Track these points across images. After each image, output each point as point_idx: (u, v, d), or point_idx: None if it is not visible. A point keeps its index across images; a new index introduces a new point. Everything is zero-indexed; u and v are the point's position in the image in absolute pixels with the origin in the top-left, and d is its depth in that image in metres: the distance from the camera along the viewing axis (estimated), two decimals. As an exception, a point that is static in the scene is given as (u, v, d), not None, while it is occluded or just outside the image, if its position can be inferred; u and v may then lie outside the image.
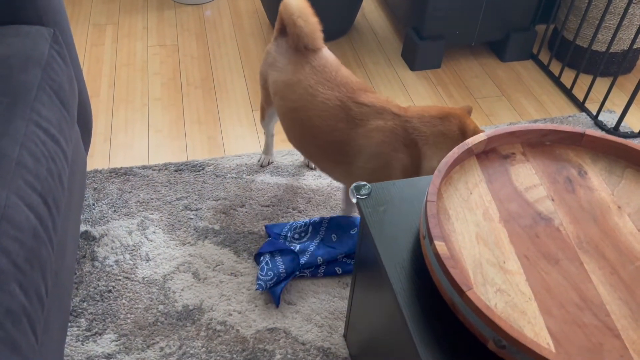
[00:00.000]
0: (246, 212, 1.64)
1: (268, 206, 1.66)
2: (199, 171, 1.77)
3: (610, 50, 2.15)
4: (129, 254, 1.51)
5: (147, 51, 2.31)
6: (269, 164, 1.77)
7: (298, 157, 1.83)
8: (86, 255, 1.50)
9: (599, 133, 1.00)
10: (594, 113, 2.06)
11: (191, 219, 1.62)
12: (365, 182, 1.01)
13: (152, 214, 1.62)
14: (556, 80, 2.22)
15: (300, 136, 1.35)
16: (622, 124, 2.01)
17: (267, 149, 1.76)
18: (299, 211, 1.65)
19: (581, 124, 2.03)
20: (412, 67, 2.26)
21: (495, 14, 2.19)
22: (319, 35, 1.35)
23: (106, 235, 1.55)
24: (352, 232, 1.52)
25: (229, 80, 2.18)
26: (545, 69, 2.29)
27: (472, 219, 0.88)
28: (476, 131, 1.19)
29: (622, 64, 1.95)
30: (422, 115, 1.21)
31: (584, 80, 2.21)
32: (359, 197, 1.00)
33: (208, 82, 2.16)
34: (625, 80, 2.26)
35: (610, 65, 2.20)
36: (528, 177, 0.96)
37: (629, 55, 2.20)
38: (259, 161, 1.77)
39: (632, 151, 0.98)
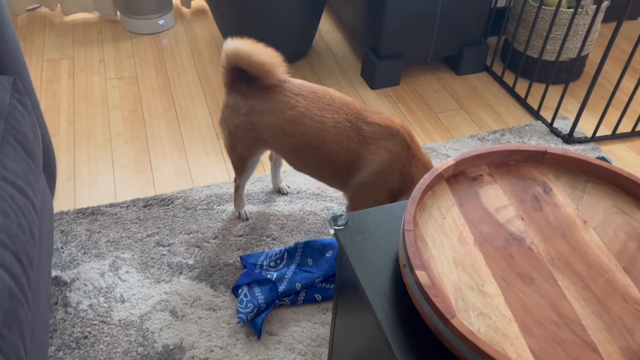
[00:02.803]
0: (220, 243, 1.64)
1: (241, 236, 1.66)
2: (168, 205, 1.75)
3: (560, 59, 2.25)
4: (103, 296, 1.48)
5: (105, 84, 2.28)
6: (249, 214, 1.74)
7: (268, 183, 1.83)
8: (58, 301, 1.46)
9: (560, 150, 1.05)
10: (549, 121, 2.14)
11: (164, 255, 1.60)
12: (342, 213, 1.03)
13: (123, 253, 1.59)
14: (511, 91, 2.31)
15: (314, 162, 1.37)
16: (576, 129, 2.10)
17: (242, 201, 1.71)
18: (273, 238, 1.66)
19: (538, 132, 2.11)
20: (372, 86, 2.31)
21: (448, 30, 2.26)
22: (283, 64, 1.37)
23: (78, 279, 1.52)
24: (327, 255, 1.54)
25: (191, 110, 2.17)
26: (499, 80, 2.37)
27: (449, 244, 0.91)
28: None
29: (571, 72, 2.04)
30: (429, 166, 1.30)
31: (537, 89, 2.30)
32: (337, 227, 1.02)
33: (170, 113, 2.15)
34: (576, 87, 2.36)
35: (561, 74, 2.29)
36: (497, 197, 1.00)
37: (577, 63, 2.31)
38: (239, 217, 1.71)
39: (591, 166, 1.03)
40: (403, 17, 2.15)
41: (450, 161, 1.01)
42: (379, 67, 2.25)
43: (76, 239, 1.62)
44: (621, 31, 2.76)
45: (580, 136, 2.07)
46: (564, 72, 2.30)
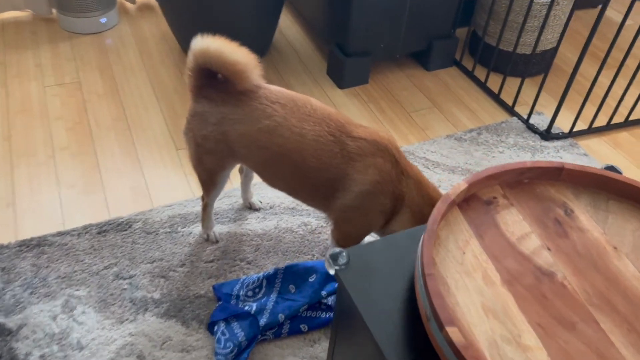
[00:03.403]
0: (188, 272, 1.46)
1: (212, 261, 1.49)
2: (125, 230, 1.56)
3: (535, 52, 2.18)
4: (57, 344, 1.28)
5: (44, 92, 2.03)
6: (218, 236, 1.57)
7: (237, 199, 1.67)
8: (3, 355, 1.25)
9: (577, 165, 0.94)
10: (525, 117, 2.07)
11: (125, 289, 1.41)
12: (341, 249, 0.89)
13: (78, 290, 1.40)
14: (483, 86, 2.22)
15: (291, 178, 1.24)
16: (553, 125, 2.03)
17: (210, 221, 1.54)
18: (247, 262, 1.50)
19: (514, 129, 2.04)
20: (340, 85, 2.16)
21: (417, 24, 2.14)
22: (258, 66, 1.22)
23: (25, 325, 1.31)
24: (310, 280, 1.40)
25: (144, 118, 1.96)
26: (470, 74, 2.28)
27: (474, 286, 0.78)
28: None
29: (542, 65, 1.97)
30: (421, 182, 1.20)
31: (510, 84, 2.22)
32: (337, 267, 0.88)
33: (121, 122, 1.93)
34: (547, 81, 2.29)
35: (532, 67, 2.22)
36: (517, 224, 0.89)
37: (549, 55, 2.25)
38: (207, 239, 1.54)
39: (611, 182, 0.93)
40: (371, 11, 2.01)
41: (462, 185, 0.89)
42: (348, 65, 2.11)
43: (20, 277, 1.41)
44: (584, 19, 2.72)
45: (557, 132, 2.01)
46: (535, 65, 2.23)
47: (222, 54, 1.16)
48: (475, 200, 0.92)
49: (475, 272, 0.80)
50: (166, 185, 1.71)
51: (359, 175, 1.17)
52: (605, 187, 0.94)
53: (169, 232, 1.56)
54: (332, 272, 0.88)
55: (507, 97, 2.17)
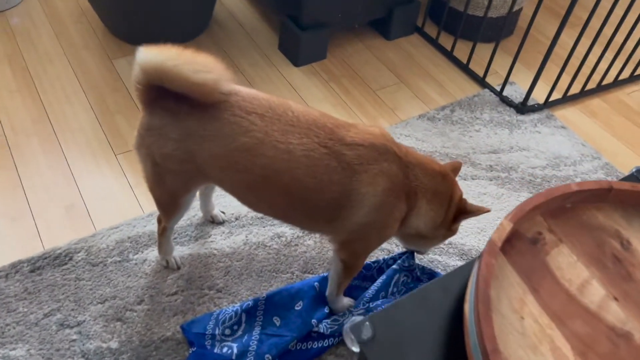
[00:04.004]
0: (149, 309, 1.24)
1: (175, 294, 1.27)
2: (65, 264, 1.30)
3: (491, 16, 2.02)
4: None
5: (-61, 92, 1.67)
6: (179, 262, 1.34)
7: (196, 212, 1.43)
8: None
9: (627, 184, 0.79)
10: (498, 89, 1.92)
11: (74, 340, 1.17)
12: (365, 319, 0.70)
13: (14, 349, 1.15)
14: (449, 55, 2.05)
15: (282, 203, 1.05)
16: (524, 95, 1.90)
17: (169, 245, 1.31)
18: (217, 290, 1.29)
19: (488, 103, 1.89)
20: (296, 62, 1.93)
21: (376, -11, 1.92)
22: (227, 72, 0.99)
23: (-50, 406, 1.06)
24: (297, 308, 1.21)
25: (71, 117, 1.66)
26: (434, 42, 2.10)
27: (545, 365, 0.63)
28: (460, 197, 1.10)
29: (503, 29, 1.81)
30: (423, 164, 1.04)
31: (480, 53, 2.05)
32: (362, 342, 0.69)
33: (43, 125, 1.62)
34: (510, 44, 2.15)
35: (492, 31, 2.06)
36: (572, 267, 0.73)
37: (509, 19, 2.09)
38: (167, 266, 1.31)
39: None
40: (327, -22, 1.77)
41: (507, 225, 0.72)
42: (303, 40, 1.87)
43: (-63, 341, 1.14)
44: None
45: (533, 104, 1.88)
46: (496, 30, 2.06)
47: (181, 74, 0.91)
48: (518, 238, 0.76)
49: (542, 345, 0.65)
50: (108, 201, 1.44)
51: (368, 188, 0.99)
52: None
53: (119, 261, 1.32)
54: (355, 349, 0.70)
55: (476, 67, 2.01)
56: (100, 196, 1.46)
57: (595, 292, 0.71)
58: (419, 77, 1.97)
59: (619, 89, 2.03)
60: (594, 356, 0.65)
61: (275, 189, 1.01)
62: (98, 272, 1.29)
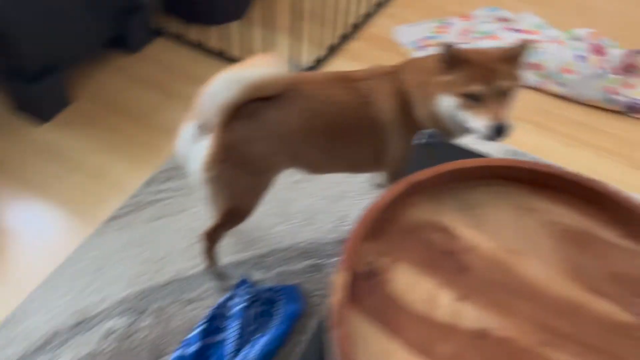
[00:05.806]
0: None
1: None
2: None
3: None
4: None
5: None
6: None
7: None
8: None
9: (425, 172, 0.78)
10: (266, 67, 1.87)
11: None
12: None
13: None
14: (202, 48, 1.94)
15: (351, 154, 1.17)
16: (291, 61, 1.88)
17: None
18: None
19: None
20: (42, 117, 1.64)
21: (96, 5, 1.69)
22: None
23: None
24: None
25: None
26: (182, 39, 1.96)
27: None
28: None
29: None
30: (411, 60, 1.12)
31: (232, 34, 1.95)
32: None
33: None
34: (257, 15, 2.09)
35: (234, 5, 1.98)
36: (417, 285, 0.72)
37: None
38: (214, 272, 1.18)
39: (450, 174, 0.79)
40: (32, 13, 1.49)
41: (343, 276, 0.66)
42: (38, 92, 1.59)
43: None
44: None
45: (308, 67, 1.87)
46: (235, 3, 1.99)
47: (275, 79, 0.98)
48: (355, 279, 0.71)
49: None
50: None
51: (382, 115, 1.11)
52: (449, 180, 0.81)
53: None
54: None
55: (236, 50, 1.92)
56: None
57: (443, 302, 0.71)
58: (183, 83, 1.82)
59: (369, 25, 2.12)
60: (468, 373, 0.64)
61: (340, 141, 1.11)
62: None
